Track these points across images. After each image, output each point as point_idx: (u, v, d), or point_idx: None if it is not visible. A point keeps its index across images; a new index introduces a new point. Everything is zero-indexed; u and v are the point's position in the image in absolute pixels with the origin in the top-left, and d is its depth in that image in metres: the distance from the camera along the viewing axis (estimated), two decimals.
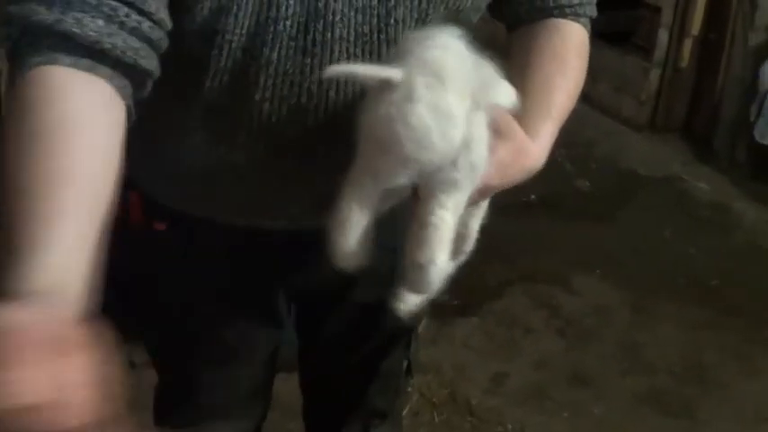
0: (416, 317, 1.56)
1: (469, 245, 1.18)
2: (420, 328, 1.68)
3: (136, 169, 1.16)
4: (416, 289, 1.03)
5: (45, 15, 0.87)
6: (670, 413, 2.52)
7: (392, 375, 1.59)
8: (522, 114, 1.12)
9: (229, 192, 1.21)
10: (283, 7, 1.02)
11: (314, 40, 1.05)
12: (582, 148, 3.76)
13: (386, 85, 0.93)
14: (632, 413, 2.52)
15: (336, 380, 1.60)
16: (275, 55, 1.05)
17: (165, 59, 0.97)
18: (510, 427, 2.44)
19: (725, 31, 3.73)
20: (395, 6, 1.07)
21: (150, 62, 0.94)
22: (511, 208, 3.31)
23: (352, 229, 1.00)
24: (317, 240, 1.11)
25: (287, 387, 1.70)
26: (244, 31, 1.03)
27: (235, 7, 1.01)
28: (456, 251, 1.12)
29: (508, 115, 1.04)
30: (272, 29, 1.03)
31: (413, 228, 1.00)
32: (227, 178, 1.18)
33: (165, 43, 0.96)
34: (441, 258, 0.99)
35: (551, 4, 1.22)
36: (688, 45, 3.82)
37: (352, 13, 1.06)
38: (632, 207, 3.49)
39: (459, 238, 1.12)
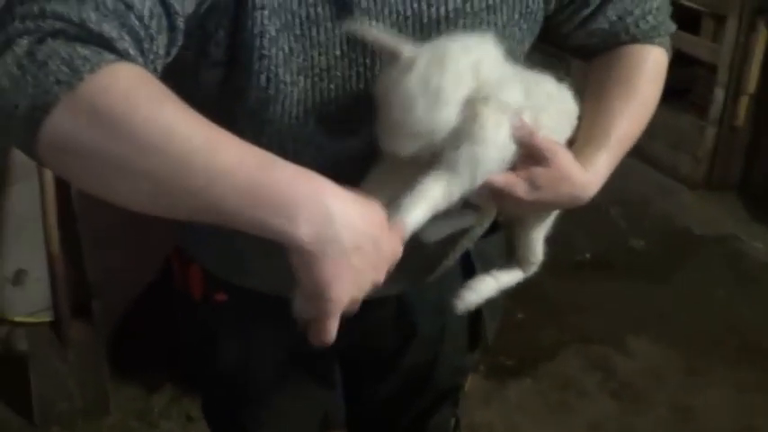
0: (464, 374, 1.61)
1: (537, 256, 1.25)
2: (467, 387, 1.73)
3: (197, 246, 1.23)
4: None
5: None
6: None
7: None
8: (580, 142, 1.13)
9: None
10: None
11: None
12: (637, 205, 3.78)
13: (395, 57, 1.02)
14: None
15: None
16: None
17: None
18: None
19: None
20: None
21: None
22: (564, 267, 3.36)
23: (374, 189, 1.05)
24: (374, 307, 1.15)
25: None
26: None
27: None
28: (521, 261, 1.23)
29: (553, 142, 1.07)
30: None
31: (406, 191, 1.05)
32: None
33: None
34: (411, 217, 1.02)
35: (622, 34, 1.20)
36: (744, 103, 3.84)
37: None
38: (687, 267, 3.48)
39: (524, 248, 1.22)
